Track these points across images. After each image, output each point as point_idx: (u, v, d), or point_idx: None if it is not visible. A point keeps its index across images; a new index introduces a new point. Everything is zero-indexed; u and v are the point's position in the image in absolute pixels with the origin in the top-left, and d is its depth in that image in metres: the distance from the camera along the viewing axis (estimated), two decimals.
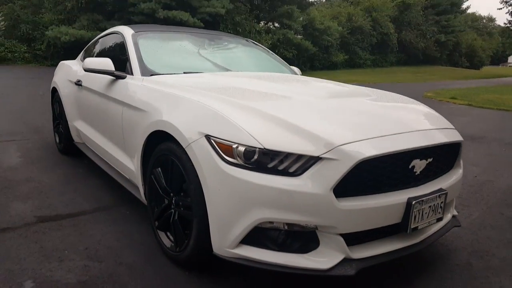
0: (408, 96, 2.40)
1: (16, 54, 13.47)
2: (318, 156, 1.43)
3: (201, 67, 2.62)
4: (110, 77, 2.47)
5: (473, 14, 51.40)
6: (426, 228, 1.73)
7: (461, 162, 2.02)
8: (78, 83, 3.01)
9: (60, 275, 1.70)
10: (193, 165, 1.60)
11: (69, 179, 2.91)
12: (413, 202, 1.56)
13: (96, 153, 2.85)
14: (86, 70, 2.43)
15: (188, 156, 1.62)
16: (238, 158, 1.48)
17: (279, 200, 1.42)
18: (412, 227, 1.59)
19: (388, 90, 2.62)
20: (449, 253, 2.07)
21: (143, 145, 1.96)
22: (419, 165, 1.65)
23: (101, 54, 3.10)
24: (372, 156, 1.46)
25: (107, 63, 2.37)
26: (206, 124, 1.61)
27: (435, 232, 1.80)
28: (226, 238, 1.51)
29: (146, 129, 1.92)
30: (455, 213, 2.04)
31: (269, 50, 3.45)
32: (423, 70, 24.85)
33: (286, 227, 1.47)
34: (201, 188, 1.56)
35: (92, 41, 3.54)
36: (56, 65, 3.98)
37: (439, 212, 1.72)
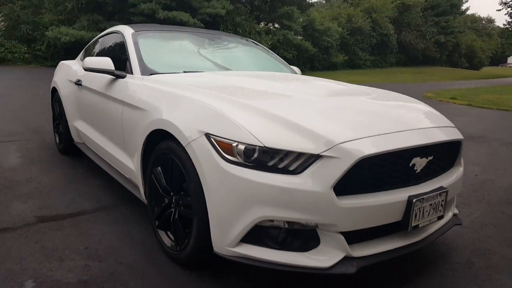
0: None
1: (16, 55, 13.48)
2: (318, 154, 1.43)
3: (201, 67, 2.61)
4: (110, 77, 2.47)
5: (473, 15, 51.43)
6: (427, 226, 1.73)
7: (462, 160, 2.02)
8: (78, 83, 3.01)
9: (61, 274, 1.69)
10: (193, 164, 1.60)
11: (69, 179, 2.90)
12: (414, 200, 1.55)
13: (96, 153, 2.84)
14: (86, 69, 2.43)
15: (188, 155, 1.62)
16: (238, 157, 1.47)
17: (279, 198, 1.42)
18: (413, 225, 1.59)
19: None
20: (450, 251, 2.06)
21: (143, 144, 1.96)
22: (419, 163, 1.64)
23: (101, 53, 3.10)
24: (372, 154, 1.45)
25: (107, 63, 2.37)
26: (206, 122, 1.60)
27: (436, 230, 1.80)
28: (226, 237, 1.50)
29: (146, 128, 1.92)
30: (456, 211, 2.04)
31: (269, 50, 3.46)
32: (422, 70, 24.89)
33: (286, 226, 1.46)
34: (201, 186, 1.56)
35: (92, 40, 3.54)
36: (56, 65, 3.98)
37: (440, 210, 1.71)
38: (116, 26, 3.06)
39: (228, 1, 15.56)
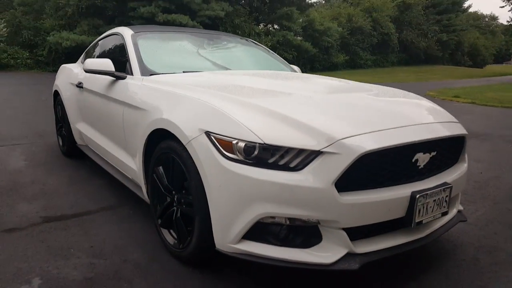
0: None
1: (18, 61, 13.57)
2: (319, 150, 1.42)
3: (201, 66, 2.62)
4: (110, 78, 2.48)
5: (475, 12, 51.12)
6: (431, 222, 1.71)
7: (466, 156, 2.00)
8: (79, 85, 3.03)
9: (67, 272, 1.71)
10: (193, 162, 1.60)
11: (73, 181, 2.92)
12: (417, 196, 1.54)
13: (99, 155, 2.86)
14: (86, 71, 2.45)
15: (189, 153, 1.62)
16: (238, 154, 1.47)
17: (280, 195, 1.41)
18: (416, 221, 1.58)
19: None
20: (455, 248, 2.05)
21: (144, 144, 1.97)
22: (422, 158, 1.63)
23: (102, 55, 3.12)
24: (373, 149, 1.45)
25: (107, 64, 2.38)
26: (206, 121, 1.61)
27: (440, 227, 1.78)
28: (228, 234, 1.50)
29: (147, 128, 1.93)
30: (461, 208, 2.02)
31: (269, 50, 3.46)
32: (424, 69, 24.78)
33: (288, 222, 1.46)
34: (202, 185, 1.56)
35: (93, 43, 3.57)
36: (57, 71, 4.01)
37: (444, 206, 1.70)
38: (116, 28, 3.07)
39: (227, 3, 15.58)
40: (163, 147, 1.82)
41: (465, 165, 1.95)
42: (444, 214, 1.73)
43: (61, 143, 3.68)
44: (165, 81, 2.14)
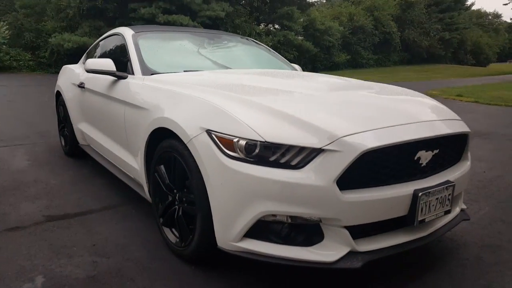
0: None
1: (21, 62, 13.63)
2: (320, 148, 1.42)
3: (201, 66, 2.62)
4: (111, 78, 2.48)
5: (478, 10, 50.76)
6: (434, 221, 1.70)
7: (469, 154, 1.99)
8: (81, 86, 3.03)
9: (70, 270, 1.72)
10: (195, 161, 1.60)
11: (76, 180, 2.93)
12: (420, 194, 1.53)
13: (101, 154, 2.86)
14: (88, 71, 2.46)
15: (190, 152, 1.62)
16: (239, 152, 1.47)
17: (282, 193, 1.41)
18: (419, 219, 1.57)
19: None
20: (459, 247, 2.03)
21: (146, 143, 1.97)
22: (425, 156, 1.62)
23: (103, 56, 3.12)
24: (375, 147, 1.44)
25: (108, 64, 2.39)
26: (206, 119, 1.61)
27: (443, 225, 1.77)
28: (229, 232, 1.50)
29: (148, 127, 1.93)
30: (464, 206, 2.01)
31: (270, 49, 3.45)
32: (427, 68, 24.67)
33: (289, 220, 1.46)
34: (204, 183, 1.56)
35: (94, 43, 3.58)
36: (59, 72, 4.03)
37: (446, 205, 1.69)
38: (117, 28, 3.08)
39: (227, 3, 15.57)
40: (164, 146, 1.83)
41: (468, 163, 1.94)
42: (447, 212, 1.72)
43: (63, 143, 3.69)
44: (166, 80, 2.14)
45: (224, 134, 1.51)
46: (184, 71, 2.41)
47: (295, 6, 19.15)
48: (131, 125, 2.17)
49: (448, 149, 1.78)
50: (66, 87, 3.44)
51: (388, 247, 1.54)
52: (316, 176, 1.40)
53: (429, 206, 1.60)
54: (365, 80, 2.63)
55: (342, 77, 2.58)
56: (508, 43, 50.35)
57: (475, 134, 4.92)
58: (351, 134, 1.45)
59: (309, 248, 1.46)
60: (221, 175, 1.49)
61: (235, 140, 1.47)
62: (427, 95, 2.28)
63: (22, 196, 2.58)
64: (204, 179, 1.56)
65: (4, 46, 13.30)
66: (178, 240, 1.81)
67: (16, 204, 2.45)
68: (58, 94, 3.68)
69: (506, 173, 3.37)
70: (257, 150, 1.45)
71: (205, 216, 1.58)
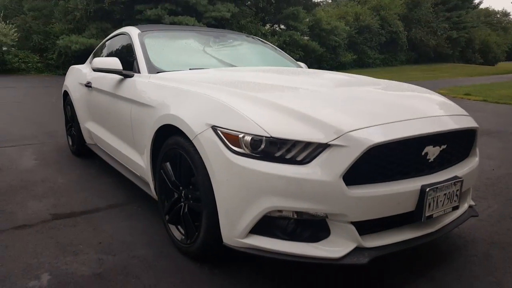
0: None
1: (29, 64, 13.84)
2: (326, 143, 1.41)
3: (207, 64, 2.63)
4: (118, 77, 2.50)
5: (486, 9, 50.02)
6: (441, 217, 1.68)
7: (477, 150, 1.96)
8: (88, 85, 3.06)
9: (76, 267, 1.73)
10: (200, 157, 1.60)
11: (83, 179, 2.95)
12: (427, 189, 1.51)
13: (108, 153, 2.88)
14: (94, 69, 2.48)
15: (196, 148, 1.62)
16: (245, 148, 1.47)
17: (288, 188, 1.40)
18: (426, 215, 1.55)
19: None
20: (467, 244, 2.01)
21: (152, 140, 1.98)
22: (432, 152, 1.60)
23: (109, 55, 3.14)
24: (382, 142, 1.42)
25: (115, 63, 2.40)
26: (212, 115, 1.61)
27: (451, 222, 1.74)
28: (235, 228, 1.50)
29: (154, 124, 1.94)
30: (472, 203, 1.98)
31: (276, 47, 3.45)
32: (434, 67, 24.42)
33: (295, 216, 1.45)
34: (209, 179, 1.56)
35: (100, 43, 3.61)
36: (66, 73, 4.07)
37: (454, 201, 1.67)
38: (123, 27, 3.11)
39: (233, 4, 15.60)
40: (170, 143, 1.83)
41: (476, 159, 1.91)
42: (455, 208, 1.70)
43: (70, 143, 3.72)
44: (171, 78, 2.15)
45: (229, 130, 1.51)
46: (190, 69, 2.42)
47: (301, 6, 19.12)
48: (137, 123, 2.19)
49: (456, 144, 1.76)
50: (73, 87, 3.47)
51: (395, 243, 1.52)
52: (322, 172, 1.39)
53: (437, 202, 1.58)
54: None
55: (348, 74, 2.57)
56: None
57: (484, 132, 4.86)
58: (357, 129, 1.43)
59: (315, 244, 1.45)
60: (227, 171, 1.49)
61: (241, 135, 1.47)
62: None
63: (30, 195, 2.61)
64: (210, 176, 1.56)
65: (12, 48, 13.50)
66: (183, 237, 1.81)
67: (23, 203, 2.47)
68: (66, 94, 3.72)
69: None
70: (262, 146, 1.44)
71: (211, 212, 1.58)
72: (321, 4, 28.17)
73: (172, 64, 2.49)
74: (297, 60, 3.28)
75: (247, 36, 3.41)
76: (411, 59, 27.85)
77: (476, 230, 2.16)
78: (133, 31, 2.76)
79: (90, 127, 3.13)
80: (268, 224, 1.47)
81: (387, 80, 2.38)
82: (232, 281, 1.64)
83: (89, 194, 2.64)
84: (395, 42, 25.74)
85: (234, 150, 1.48)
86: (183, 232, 1.82)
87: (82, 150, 3.47)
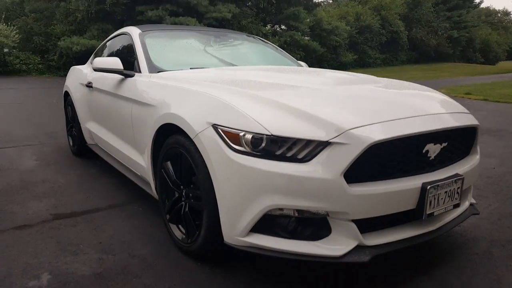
0: None
1: (30, 66, 13.86)
2: (327, 141, 1.40)
3: (208, 63, 2.63)
4: (119, 76, 2.50)
5: (487, 8, 49.97)
6: (442, 215, 1.68)
7: (478, 148, 1.95)
8: (89, 85, 3.07)
9: (76, 267, 1.73)
10: (201, 156, 1.60)
11: (83, 179, 2.96)
12: (428, 187, 1.51)
13: (108, 153, 2.89)
14: (95, 69, 2.48)
15: (196, 147, 1.62)
16: (245, 146, 1.47)
17: (288, 186, 1.40)
18: (427, 213, 1.54)
19: None
20: (468, 242, 2.00)
21: (153, 139, 1.98)
22: (433, 149, 1.60)
23: (110, 55, 3.14)
24: (382, 139, 1.42)
25: (115, 62, 2.40)
26: (213, 114, 1.60)
27: (452, 220, 1.74)
28: (236, 227, 1.49)
29: (155, 123, 1.94)
30: (473, 201, 1.98)
31: (277, 47, 3.45)
32: (435, 67, 24.38)
33: (296, 214, 1.45)
34: (210, 178, 1.56)
35: (101, 44, 3.61)
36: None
37: (455, 198, 1.66)
38: (124, 28, 3.11)
39: (233, 5, 15.62)
40: (171, 142, 1.83)
41: (477, 157, 1.90)
42: (456, 206, 1.69)
43: (71, 143, 3.73)
44: (172, 77, 2.15)
45: (230, 128, 1.51)
46: (191, 68, 2.42)
47: (302, 6, 19.12)
48: (138, 122, 2.19)
49: (457, 142, 1.76)
50: (74, 87, 3.48)
51: (396, 241, 1.52)
52: (323, 169, 1.38)
53: (438, 200, 1.57)
54: None
55: (348, 72, 2.57)
56: None
57: (484, 131, 4.86)
58: (358, 127, 1.43)
59: (316, 242, 1.45)
60: (228, 169, 1.49)
61: (241, 134, 1.47)
62: None
63: (30, 195, 2.61)
64: (211, 174, 1.55)
65: (14, 50, 13.53)
66: (184, 236, 1.81)
67: (24, 203, 2.47)
68: (66, 95, 3.72)
69: None
70: (263, 144, 1.44)
71: (212, 211, 1.58)
72: (322, 4, 28.19)
73: (173, 63, 2.49)
74: (298, 60, 3.28)
75: (247, 36, 3.41)
76: (412, 59, 27.81)
77: (477, 228, 2.15)
78: (134, 31, 2.76)
79: (91, 127, 3.14)
80: (269, 223, 1.47)
81: (388, 79, 2.38)
82: (233, 280, 1.64)
83: (89, 194, 2.64)
84: (395, 42, 25.72)
85: (235, 149, 1.48)
86: (183, 231, 1.82)
87: (83, 151, 3.47)
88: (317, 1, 21.79)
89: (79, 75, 3.50)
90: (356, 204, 1.41)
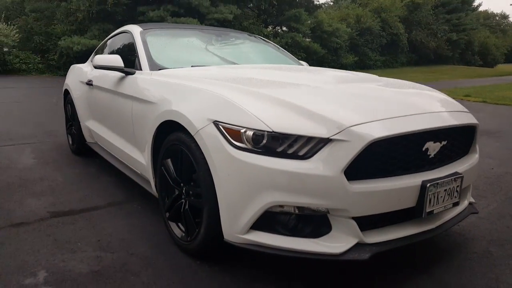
0: None
1: (30, 65, 13.84)
2: (328, 138, 1.40)
3: (209, 62, 2.63)
4: (119, 74, 2.50)
5: (485, 11, 50.22)
6: (442, 213, 1.68)
7: (477, 147, 1.96)
8: (89, 83, 3.06)
9: (73, 265, 1.71)
10: (202, 153, 1.59)
11: (82, 178, 2.95)
12: (428, 185, 1.51)
13: (108, 151, 2.88)
14: (96, 67, 2.48)
15: (197, 144, 1.62)
16: (247, 143, 1.46)
17: (289, 183, 1.40)
18: (427, 211, 1.54)
19: None
20: (467, 241, 2.00)
21: (153, 137, 1.97)
22: (433, 147, 1.60)
23: (111, 53, 3.14)
24: (383, 137, 1.42)
25: (116, 60, 2.40)
26: (213, 110, 1.60)
27: (451, 218, 1.74)
28: (236, 224, 1.49)
29: (155, 120, 1.93)
30: (472, 200, 1.98)
31: (278, 46, 3.45)
32: (434, 69, 24.45)
33: (296, 211, 1.44)
34: (211, 174, 1.55)
35: (102, 42, 3.61)
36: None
37: (455, 197, 1.66)
38: (125, 26, 3.11)
39: (235, 6, 15.64)
40: (171, 139, 1.83)
41: (477, 156, 1.91)
42: (455, 204, 1.69)
43: (70, 142, 3.72)
44: (173, 75, 2.15)
45: (231, 125, 1.50)
46: (192, 66, 2.42)
47: (303, 8, 19.17)
48: (139, 119, 2.18)
49: (456, 141, 1.76)
50: (74, 85, 3.47)
51: (396, 239, 1.52)
52: (324, 166, 1.38)
53: (438, 198, 1.57)
54: None
55: (349, 71, 2.57)
56: None
57: (483, 132, 4.87)
58: (358, 124, 1.43)
59: (316, 240, 1.44)
60: (228, 166, 1.48)
61: (243, 130, 1.47)
62: None
63: (28, 193, 2.60)
64: (211, 171, 1.55)
65: (14, 49, 13.51)
66: (184, 234, 1.80)
67: (21, 201, 2.46)
68: (66, 93, 3.72)
69: None
70: (264, 141, 1.44)
71: (212, 208, 1.57)
72: (323, 6, 28.24)
73: (174, 61, 2.49)
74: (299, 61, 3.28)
75: (249, 35, 3.41)
76: (412, 61, 27.88)
77: (476, 228, 2.16)
78: (135, 29, 2.76)
79: (91, 126, 3.13)
80: (269, 220, 1.46)
81: (389, 78, 2.38)
82: (233, 278, 1.63)
83: (88, 192, 2.63)
84: (395, 44, 25.78)
85: (236, 145, 1.48)
86: (183, 229, 1.81)
87: (82, 149, 3.46)
88: (318, 3, 21.85)
89: (79, 73, 3.49)
90: (356, 201, 1.41)
